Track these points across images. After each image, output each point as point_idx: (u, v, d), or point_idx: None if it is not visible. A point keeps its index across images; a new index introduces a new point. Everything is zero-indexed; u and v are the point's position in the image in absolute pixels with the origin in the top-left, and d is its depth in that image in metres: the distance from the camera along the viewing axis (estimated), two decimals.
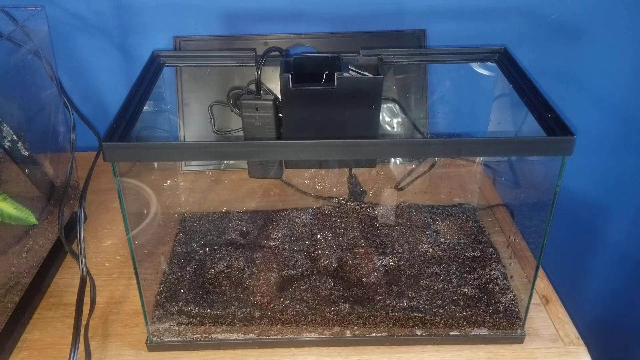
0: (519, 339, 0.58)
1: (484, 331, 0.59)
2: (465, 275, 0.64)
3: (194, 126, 0.82)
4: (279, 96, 0.57)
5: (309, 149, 0.48)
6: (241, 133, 0.60)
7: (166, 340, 0.58)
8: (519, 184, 0.72)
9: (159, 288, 0.62)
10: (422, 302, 0.60)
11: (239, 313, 0.59)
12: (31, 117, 0.65)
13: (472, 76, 0.67)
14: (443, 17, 0.82)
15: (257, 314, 0.59)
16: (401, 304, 0.60)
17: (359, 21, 0.82)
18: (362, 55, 0.60)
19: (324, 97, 0.55)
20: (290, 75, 0.54)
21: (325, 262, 0.65)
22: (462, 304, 0.60)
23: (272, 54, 0.59)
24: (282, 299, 0.60)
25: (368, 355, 0.57)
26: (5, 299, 0.59)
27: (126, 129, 0.49)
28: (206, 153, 0.50)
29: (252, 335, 0.59)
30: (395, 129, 0.81)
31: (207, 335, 0.58)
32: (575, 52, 0.86)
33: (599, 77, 0.89)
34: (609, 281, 1.15)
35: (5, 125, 0.59)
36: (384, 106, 0.79)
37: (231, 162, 0.83)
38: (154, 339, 0.58)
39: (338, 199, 0.75)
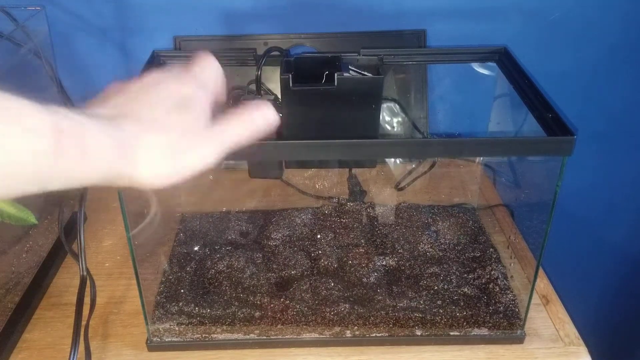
0: (519, 339, 0.58)
1: (484, 331, 0.59)
2: (466, 275, 0.64)
3: None
4: (279, 96, 0.57)
5: (309, 149, 0.48)
6: None
7: (166, 340, 0.58)
8: (519, 184, 0.72)
9: (159, 288, 0.62)
10: (422, 302, 0.60)
11: (239, 313, 0.59)
12: None
13: (472, 76, 0.67)
14: (443, 17, 0.82)
15: (257, 314, 0.59)
16: (401, 304, 0.60)
17: (359, 21, 0.82)
18: (362, 55, 0.60)
19: (324, 97, 0.55)
20: (290, 75, 0.54)
21: (326, 262, 0.65)
22: (462, 304, 0.60)
23: (272, 54, 0.59)
24: (282, 299, 0.60)
25: (368, 355, 0.57)
26: (5, 299, 0.59)
27: None
28: None
29: (252, 335, 0.59)
30: (395, 129, 0.81)
31: (207, 335, 0.58)
32: (575, 52, 0.86)
33: (599, 77, 0.89)
34: (609, 281, 1.15)
35: None
36: (384, 106, 0.79)
37: (231, 162, 0.83)
38: (154, 339, 0.58)
39: (338, 199, 0.75)
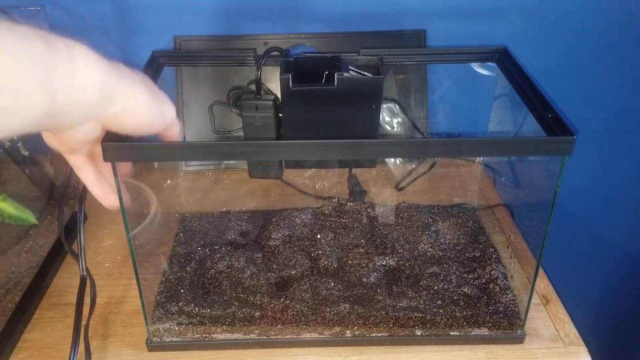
0: (519, 339, 0.58)
1: (484, 331, 0.59)
2: (466, 275, 0.64)
3: (194, 126, 0.82)
4: (279, 96, 0.57)
5: (309, 149, 0.48)
6: (241, 133, 0.60)
7: (166, 340, 0.58)
8: (519, 184, 0.72)
9: (159, 288, 0.62)
10: (422, 302, 0.60)
11: (239, 313, 0.59)
12: None
13: (472, 76, 0.67)
14: (443, 17, 0.82)
15: (257, 314, 0.59)
16: (401, 304, 0.60)
17: (359, 21, 0.82)
18: (362, 55, 0.60)
19: (324, 97, 0.55)
20: (290, 75, 0.54)
21: (326, 262, 0.65)
22: (462, 304, 0.60)
23: (272, 54, 0.59)
24: (282, 299, 0.60)
25: (368, 355, 0.57)
26: (5, 299, 0.60)
27: None
28: (206, 153, 0.50)
29: (252, 335, 0.59)
30: (395, 129, 0.81)
31: (207, 335, 0.58)
32: (574, 52, 0.86)
33: (599, 77, 0.89)
34: (609, 281, 1.15)
35: None
36: (384, 106, 0.79)
37: (231, 162, 0.83)
38: (154, 339, 0.58)
39: (338, 199, 0.75)
